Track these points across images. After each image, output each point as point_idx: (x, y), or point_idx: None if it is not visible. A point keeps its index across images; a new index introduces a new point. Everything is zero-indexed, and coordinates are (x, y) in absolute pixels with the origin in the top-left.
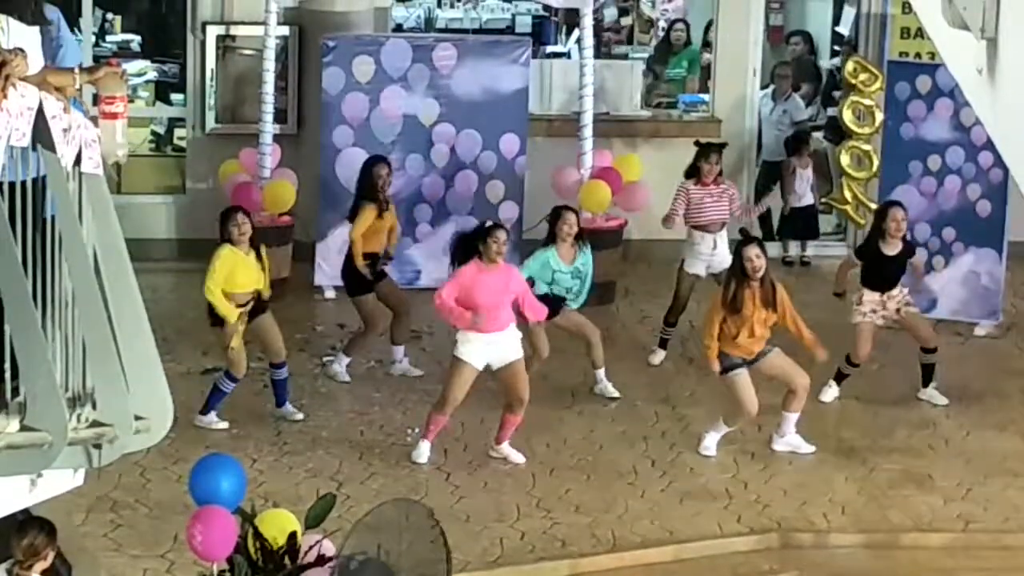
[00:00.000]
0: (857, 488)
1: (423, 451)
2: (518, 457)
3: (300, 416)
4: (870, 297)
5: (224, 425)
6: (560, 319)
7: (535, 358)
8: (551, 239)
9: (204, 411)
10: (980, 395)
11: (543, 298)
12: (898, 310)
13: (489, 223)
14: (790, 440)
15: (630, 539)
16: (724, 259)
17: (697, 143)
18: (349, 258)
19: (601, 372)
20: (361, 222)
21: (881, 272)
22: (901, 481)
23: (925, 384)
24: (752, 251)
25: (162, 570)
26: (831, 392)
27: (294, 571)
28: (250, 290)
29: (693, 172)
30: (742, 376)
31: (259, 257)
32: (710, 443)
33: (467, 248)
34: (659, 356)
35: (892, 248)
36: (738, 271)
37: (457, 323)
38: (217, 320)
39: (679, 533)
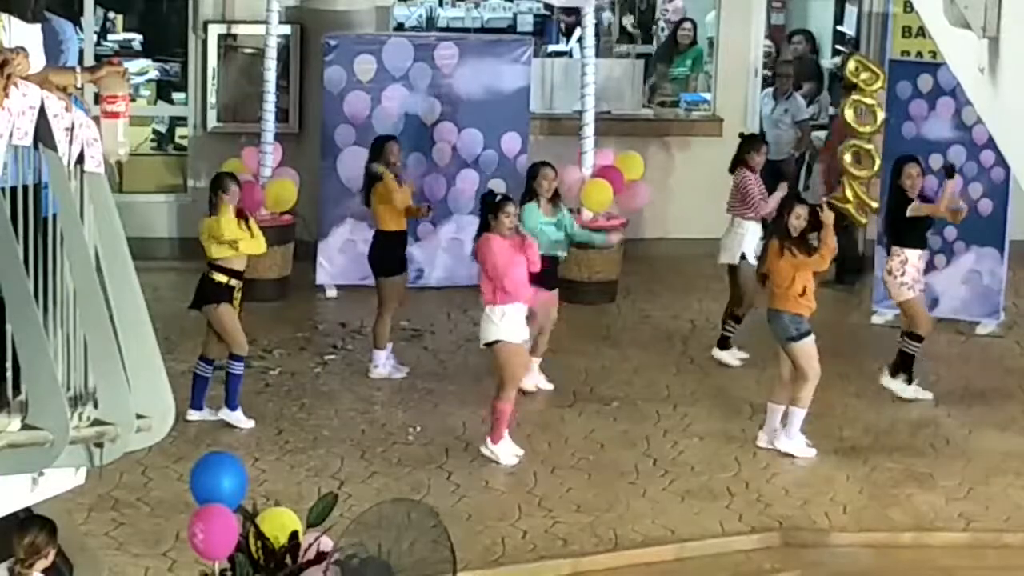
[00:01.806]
0: (859, 487)
1: (505, 450)
2: (516, 450)
3: (251, 424)
4: (913, 260)
5: (251, 424)
6: (545, 297)
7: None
8: (530, 196)
9: (232, 405)
10: (982, 394)
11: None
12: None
13: (499, 197)
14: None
15: (631, 538)
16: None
17: (741, 135)
18: (377, 240)
19: (538, 362)
20: (387, 186)
21: (924, 226)
22: (903, 480)
23: (894, 373)
24: (803, 210)
25: (163, 569)
26: (913, 389)
27: (295, 570)
28: (244, 256)
29: (739, 163)
30: (813, 344)
31: (246, 222)
32: (800, 441)
33: (483, 220)
34: (727, 355)
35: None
36: (783, 228)
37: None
38: (203, 299)
39: (681, 532)
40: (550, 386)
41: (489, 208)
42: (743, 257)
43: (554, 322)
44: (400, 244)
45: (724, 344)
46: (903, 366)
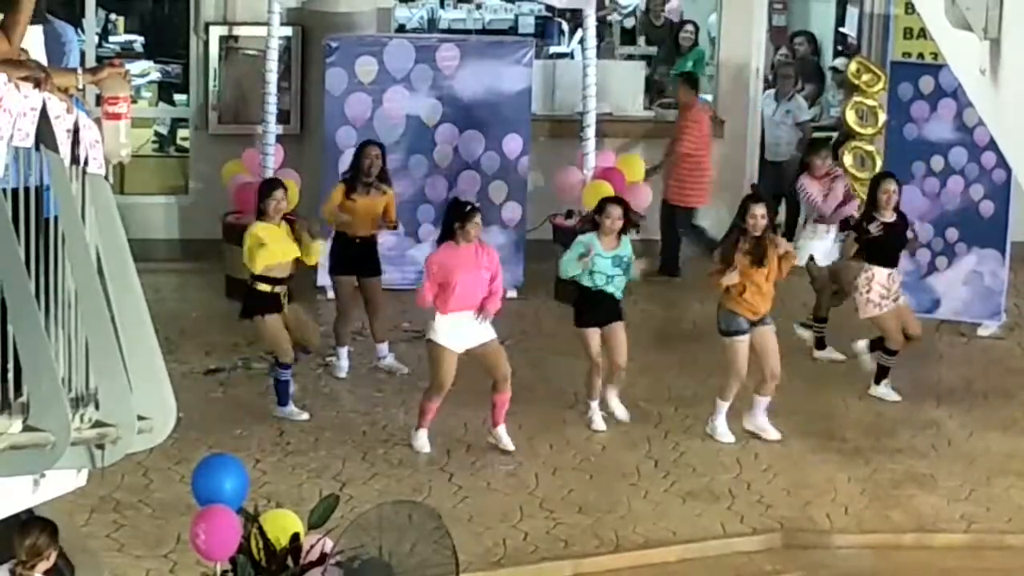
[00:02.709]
0: (860, 488)
1: (421, 439)
2: (508, 443)
3: (305, 416)
4: (880, 278)
5: (305, 416)
6: (608, 330)
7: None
8: (592, 227)
9: (282, 403)
10: (983, 395)
11: (585, 291)
12: (897, 299)
13: (468, 207)
14: (758, 422)
15: (633, 539)
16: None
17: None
18: (335, 240)
19: (596, 403)
20: (329, 199)
21: (887, 245)
22: (904, 481)
23: (877, 381)
24: (759, 209)
25: (165, 570)
26: (889, 390)
27: (297, 572)
28: (287, 261)
29: (804, 168)
30: (744, 343)
31: (293, 230)
32: (722, 428)
33: (447, 226)
34: (825, 353)
35: (888, 218)
36: (739, 226)
37: (426, 297)
38: (250, 311)
39: (682, 533)
40: (625, 416)
41: (456, 216)
42: (811, 259)
43: (623, 361)
44: (357, 247)
45: (820, 345)
46: (881, 374)
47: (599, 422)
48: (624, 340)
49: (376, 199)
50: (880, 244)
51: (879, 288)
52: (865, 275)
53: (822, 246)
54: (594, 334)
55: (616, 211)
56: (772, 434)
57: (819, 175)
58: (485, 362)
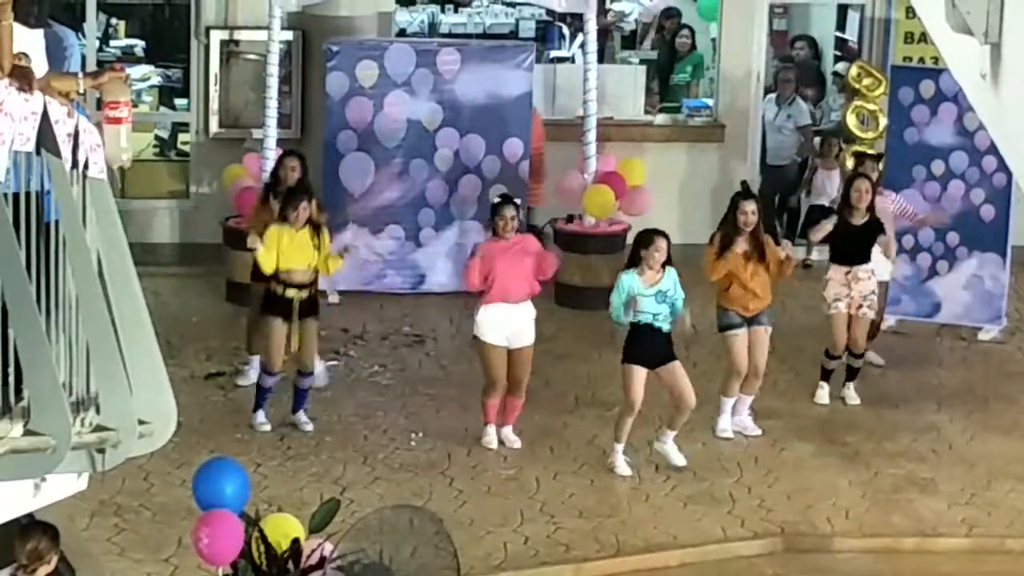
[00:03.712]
0: (861, 492)
1: (490, 435)
2: (516, 442)
3: (310, 427)
4: (836, 274)
5: (267, 428)
6: (664, 370)
7: None
8: (634, 263)
9: (254, 408)
10: (984, 399)
11: (633, 326)
12: (859, 306)
13: (497, 199)
14: (742, 420)
15: (633, 543)
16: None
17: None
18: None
19: (672, 435)
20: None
21: (846, 244)
22: (905, 485)
23: (848, 380)
24: (749, 206)
25: (166, 574)
26: (823, 393)
27: None
28: (304, 266)
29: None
30: (739, 337)
31: (317, 236)
32: (724, 424)
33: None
34: (872, 355)
35: (857, 218)
36: (731, 222)
37: (470, 278)
38: (265, 308)
39: (683, 538)
40: (680, 461)
41: (491, 210)
42: None
43: (689, 397)
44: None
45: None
46: (823, 376)
47: (623, 467)
48: (685, 376)
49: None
50: (840, 243)
51: (834, 287)
52: (825, 277)
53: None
54: (639, 373)
55: (663, 244)
56: (752, 431)
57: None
58: (512, 368)
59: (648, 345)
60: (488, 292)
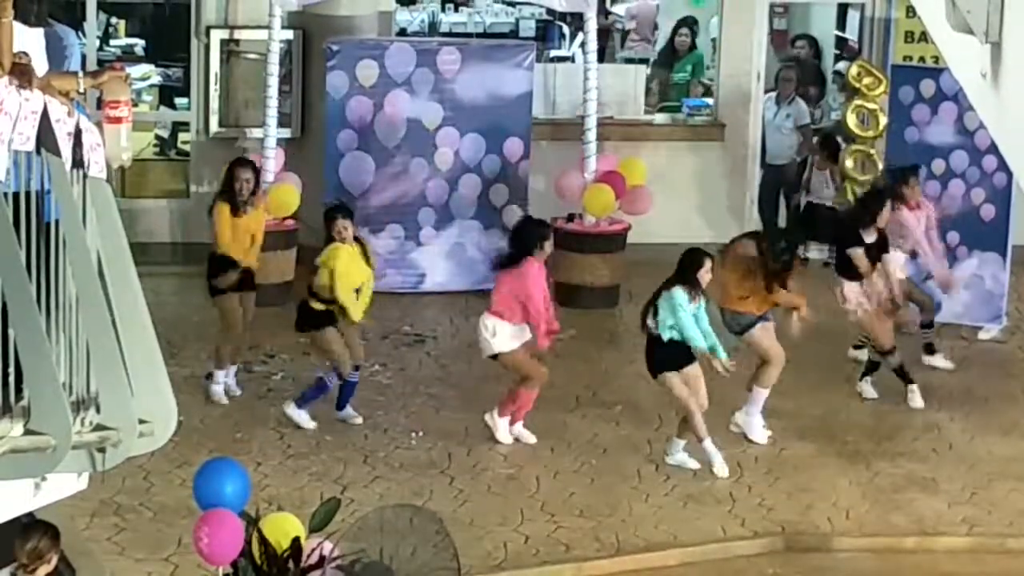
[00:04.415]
0: (861, 492)
1: (515, 432)
2: (530, 437)
3: (359, 420)
4: (850, 289)
5: (312, 426)
6: (685, 375)
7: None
8: (682, 280)
9: (299, 404)
10: (984, 399)
11: (656, 340)
12: (879, 303)
13: (543, 228)
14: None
15: (634, 543)
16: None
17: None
18: (209, 261)
19: (682, 443)
20: (219, 219)
21: (849, 260)
22: (905, 485)
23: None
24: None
25: (166, 574)
26: (915, 396)
27: (298, 575)
28: (360, 283)
29: (895, 196)
30: (766, 328)
31: (364, 250)
32: (756, 423)
33: (525, 244)
34: (937, 359)
35: (870, 236)
36: (786, 261)
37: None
38: (303, 326)
39: (683, 537)
40: (692, 464)
41: (535, 236)
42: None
43: (698, 400)
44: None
45: (930, 350)
46: (870, 368)
47: (720, 466)
48: (702, 378)
49: (255, 215)
50: (849, 261)
51: (853, 296)
52: (838, 288)
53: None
54: (674, 377)
55: (710, 264)
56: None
57: (911, 205)
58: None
59: (677, 354)
60: (519, 314)
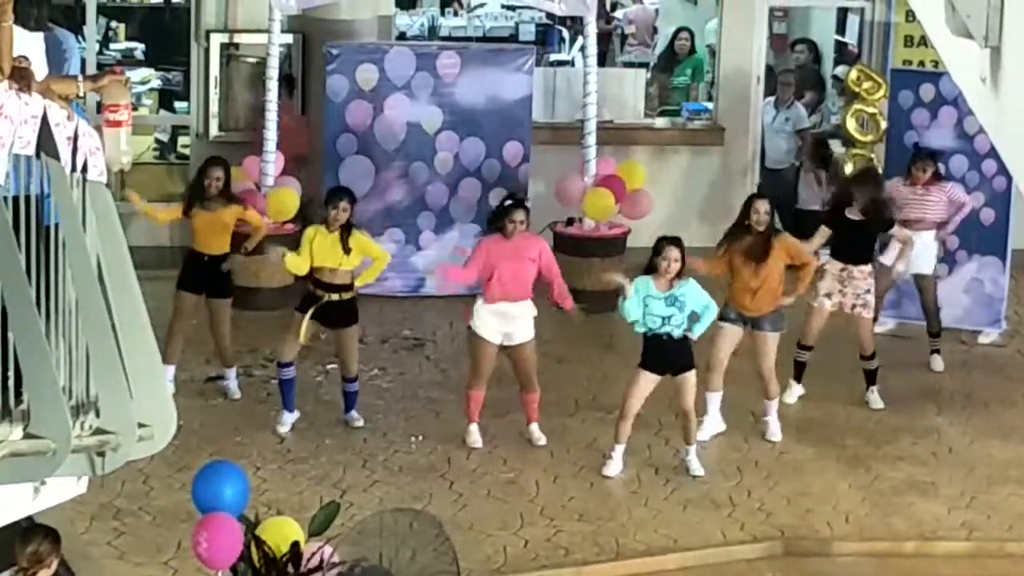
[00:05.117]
0: (861, 496)
1: (472, 434)
2: (540, 438)
3: (360, 423)
4: (832, 268)
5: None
6: (678, 380)
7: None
8: (650, 270)
9: (284, 405)
10: (984, 403)
11: (645, 336)
12: (853, 306)
13: (509, 202)
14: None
15: (633, 547)
16: (924, 259)
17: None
18: (186, 257)
19: (693, 449)
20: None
21: (845, 239)
22: (905, 489)
23: (868, 385)
24: (762, 205)
25: None
26: (793, 392)
27: None
28: (330, 267)
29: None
30: (725, 331)
31: (346, 241)
32: (713, 419)
33: (494, 221)
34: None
35: (856, 213)
36: (740, 222)
37: (467, 273)
38: (299, 306)
39: (682, 541)
40: (699, 471)
41: (500, 211)
42: (922, 276)
43: (683, 411)
44: (205, 264)
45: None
46: (870, 380)
47: (611, 467)
48: (693, 390)
49: (220, 213)
50: (841, 237)
51: (828, 281)
52: (823, 265)
53: (924, 256)
54: (643, 378)
55: (674, 253)
56: (773, 435)
57: (915, 182)
58: (516, 365)
59: (659, 352)
60: (489, 290)
